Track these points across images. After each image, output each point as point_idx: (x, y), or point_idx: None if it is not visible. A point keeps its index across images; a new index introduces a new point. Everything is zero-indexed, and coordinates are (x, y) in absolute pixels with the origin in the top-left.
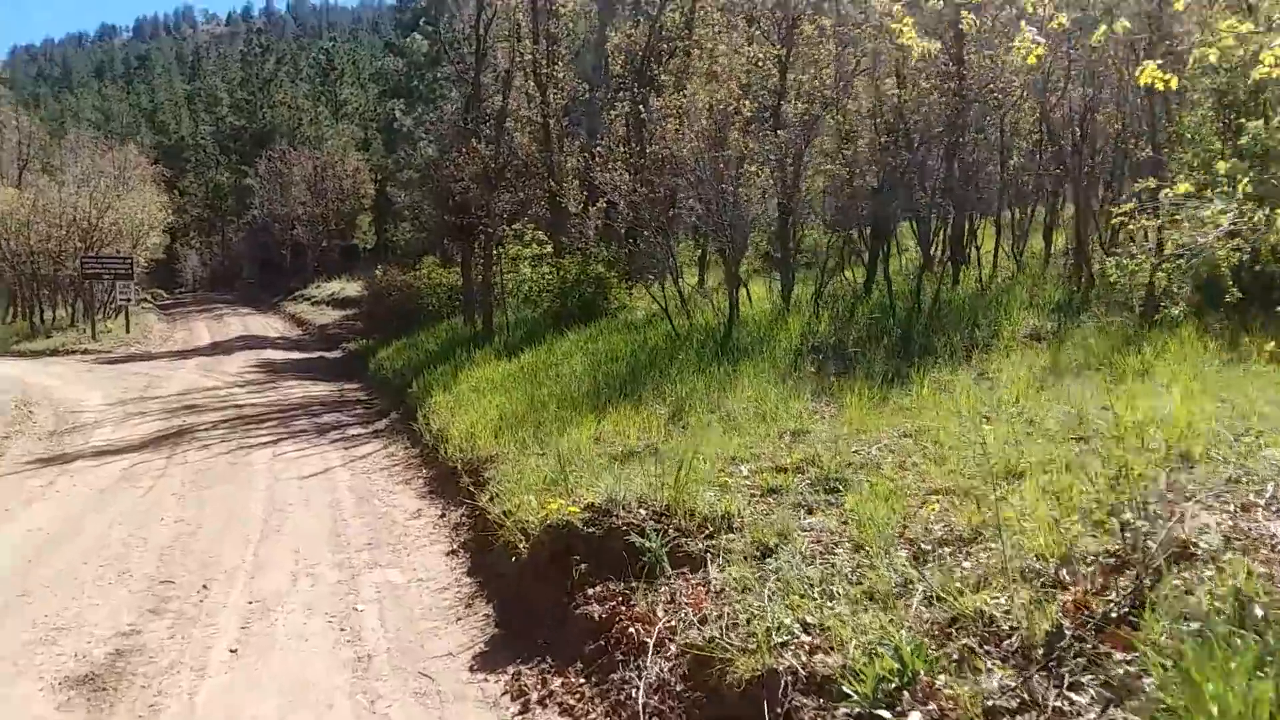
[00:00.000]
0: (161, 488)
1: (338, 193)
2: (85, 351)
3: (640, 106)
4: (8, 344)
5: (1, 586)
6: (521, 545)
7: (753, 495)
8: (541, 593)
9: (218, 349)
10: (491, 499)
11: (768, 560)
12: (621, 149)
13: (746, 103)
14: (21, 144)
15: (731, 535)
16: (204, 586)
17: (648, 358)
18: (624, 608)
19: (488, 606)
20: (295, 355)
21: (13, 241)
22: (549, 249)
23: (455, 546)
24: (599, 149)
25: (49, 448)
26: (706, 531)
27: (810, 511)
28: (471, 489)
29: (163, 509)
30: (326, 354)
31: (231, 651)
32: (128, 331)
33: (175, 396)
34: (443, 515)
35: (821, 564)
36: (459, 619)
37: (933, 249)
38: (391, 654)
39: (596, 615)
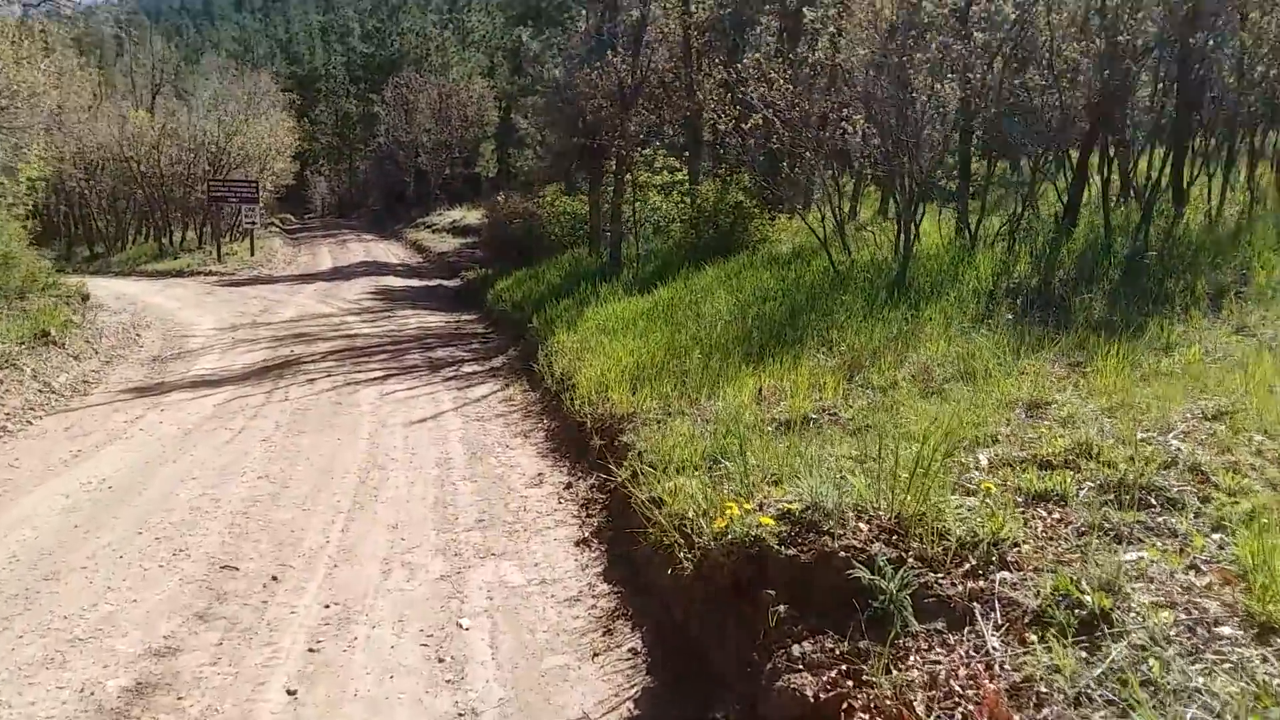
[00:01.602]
0: (252, 431)
1: (462, 120)
2: (209, 273)
3: (800, 12)
4: (137, 263)
5: (29, 563)
6: (683, 557)
7: (1016, 504)
8: (718, 634)
9: (338, 274)
10: (634, 476)
11: (1096, 634)
12: (777, 61)
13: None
14: (155, 68)
15: (1007, 574)
16: (273, 578)
17: (806, 298)
18: (851, 684)
19: (635, 636)
20: (414, 283)
21: (143, 164)
22: (682, 175)
23: (586, 533)
24: (748, 62)
25: (148, 375)
26: (964, 564)
27: (1121, 540)
28: (605, 454)
29: (247, 460)
30: (445, 282)
31: (290, 694)
32: (252, 255)
33: (288, 323)
34: (569, 485)
35: (1208, 657)
36: (595, 655)
37: (1142, 178)
38: (504, 711)
39: (809, 692)
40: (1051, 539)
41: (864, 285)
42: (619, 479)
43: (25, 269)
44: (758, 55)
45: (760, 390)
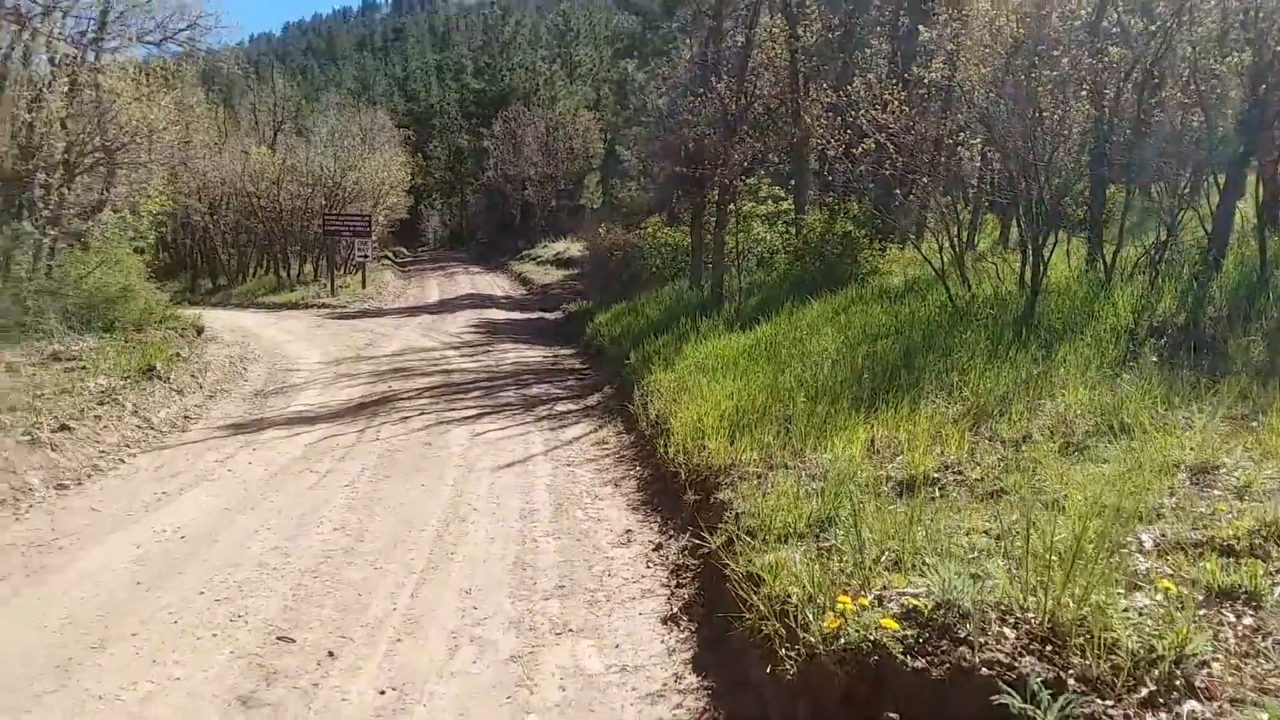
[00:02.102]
0: (337, 474)
1: (567, 152)
2: (322, 306)
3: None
4: (255, 296)
5: (83, 627)
6: (785, 655)
7: (1195, 603)
8: None
9: (444, 307)
10: (729, 542)
11: None
12: (890, 81)
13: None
14: (277, 106)
15: (1197, 706)
16: (330, 655)
17: (922, 336)
18: None
19: None
20: (515, 315)
21: (263, 199)
22: (786, 205)
23: (676, 608)
24: (859, 84)
25: (248, 411)
26: (1140, 689)
27: None
28: (698, 513)
29: (327, 509)
30: (546, 314)
31: None
32: (364, 287)
33: (389, 357)
34: (659, 546)
35: None
36: None
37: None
38: None
39: None
40: (1247, 654)
41: (986, 322)
42: (712, 545)
43: (143, 302)
44: (869, 77)
45: (873, 441)
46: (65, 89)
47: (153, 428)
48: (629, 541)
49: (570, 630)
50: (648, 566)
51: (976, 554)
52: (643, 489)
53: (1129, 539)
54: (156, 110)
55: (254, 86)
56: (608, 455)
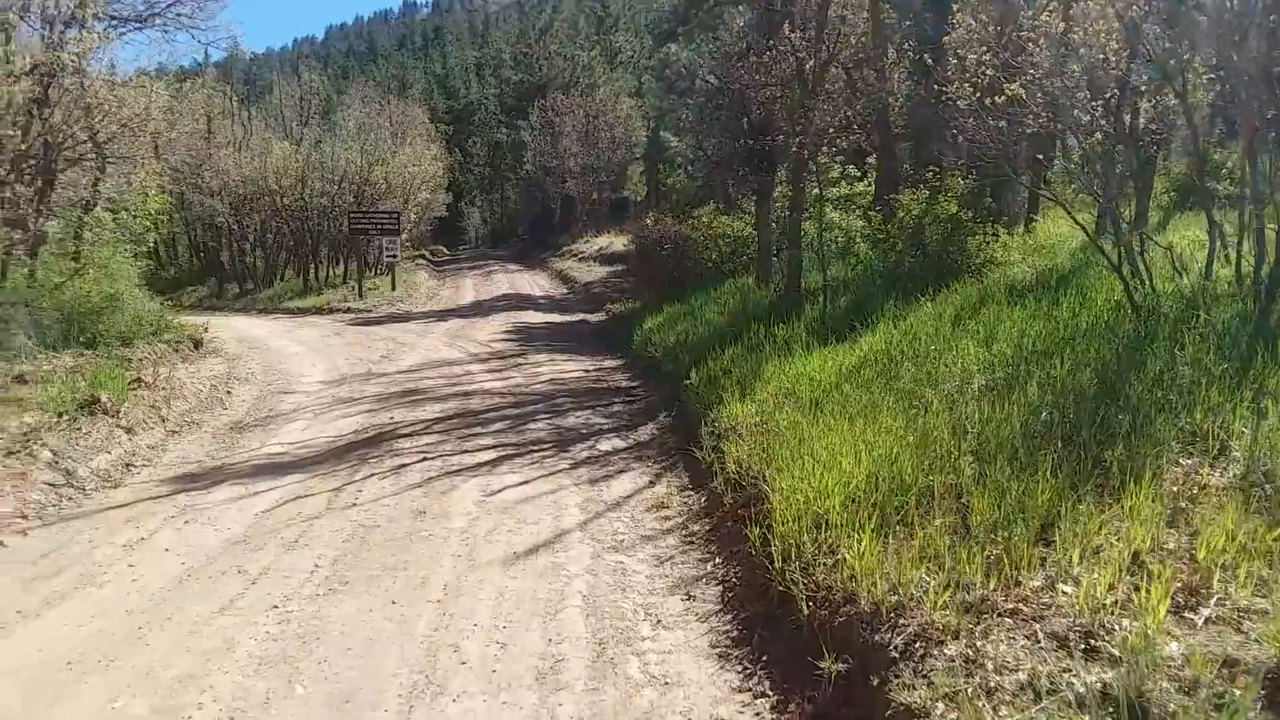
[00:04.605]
0: (273, 581)
1: (609, 141)
2: (348, 310)
3: None
4: (281, 300)
5: None
6: None
7: None
8: None
9: (478, 309)
10: None
11: None
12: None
13: None
14: (303, 99)
15: None
16: None
17: (1115, 355)
18: None
19: None
20: (554, 318)
21: (287, 196)
22: (863, 186)
23: None
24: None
25: (213, 452)
26: None
27: None
28: (844, 700)
29: (221, 667)
30: (589, 317)
31: None
32: (393, 289)
33: (404, 374)
34: None
35: None
36: None
37: None
38: None
39: None
40: None
41: (1197, 329)
42: None
43: (132, 312)
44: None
45: (1137, 558)
46: (29, 69)
47: (73, 484)
48: None
49: None
50: None
51: None
52: (730, 607)
53: None
54: (143, 98)
55: (280, 82)
56: (671, 531)
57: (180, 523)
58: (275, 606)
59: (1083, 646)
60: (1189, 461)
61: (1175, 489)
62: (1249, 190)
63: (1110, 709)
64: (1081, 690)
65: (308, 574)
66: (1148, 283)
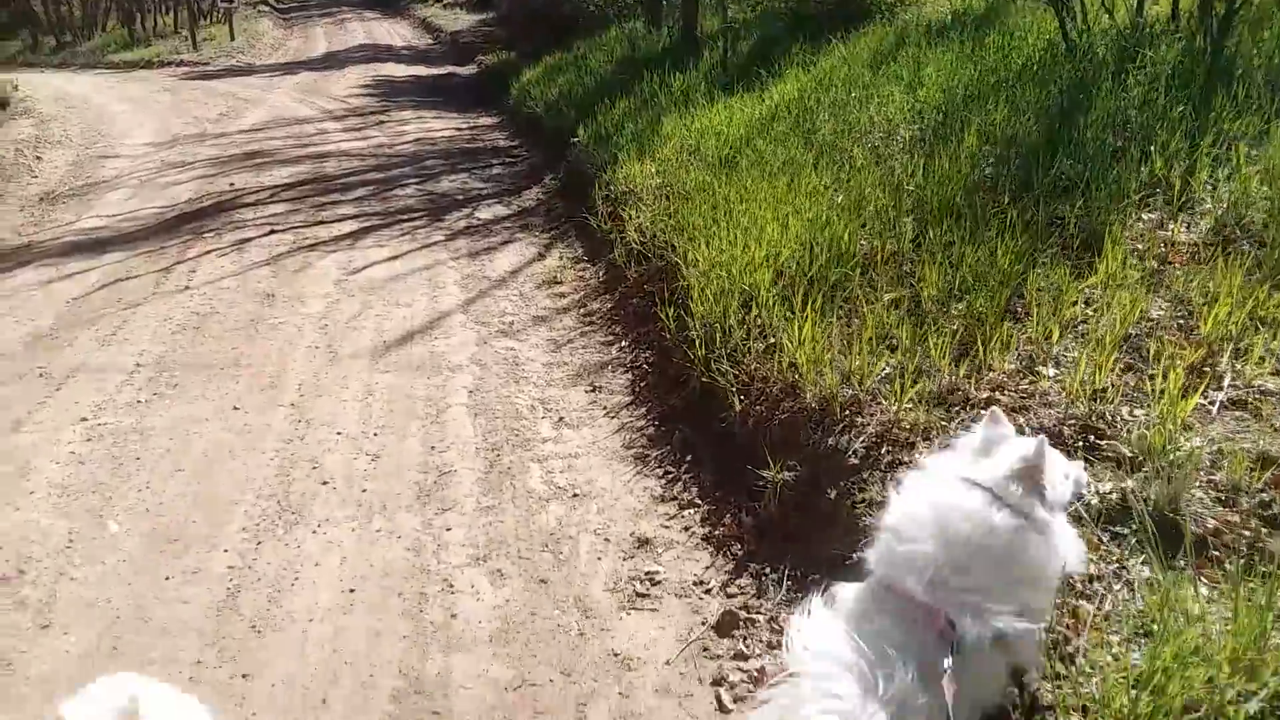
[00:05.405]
0: (84, 382)
1: None
2: (181, 63)
3: None
4: (105, 53)
5: None
6: None
7: None
8: None
9: (331, 62)
10: None
11: None
12: None
13: None
14: None
15: None
16: None
17: (1059, 97)
18: None
19: None
20: (419, 71)
21: None
22: None
23: None
24: None
25: (16, 227)
26: None
27: None
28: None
29: (29, 479)
30: (458, 69)
31: None
32: (232, 39)
33: (246, 134)
34: (713, 587)
35: None
36: None
37: None
38: None
39: None
40: None
41: (1144, 70)
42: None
43: None
44: None
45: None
46: None
47: None
48: (650, 580)
49: None
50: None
51: None
52: (643, 399)
53: None
54: None
55: None
56: (566, 309)
57: None
58: (84, 419)
59: (1081, 444)
60: (1151, 216)
61: (1141, 248)
62: None
63: (1132, 524)
64: (1095, 502)
65: (127, 375)
66: (1080, 20)
